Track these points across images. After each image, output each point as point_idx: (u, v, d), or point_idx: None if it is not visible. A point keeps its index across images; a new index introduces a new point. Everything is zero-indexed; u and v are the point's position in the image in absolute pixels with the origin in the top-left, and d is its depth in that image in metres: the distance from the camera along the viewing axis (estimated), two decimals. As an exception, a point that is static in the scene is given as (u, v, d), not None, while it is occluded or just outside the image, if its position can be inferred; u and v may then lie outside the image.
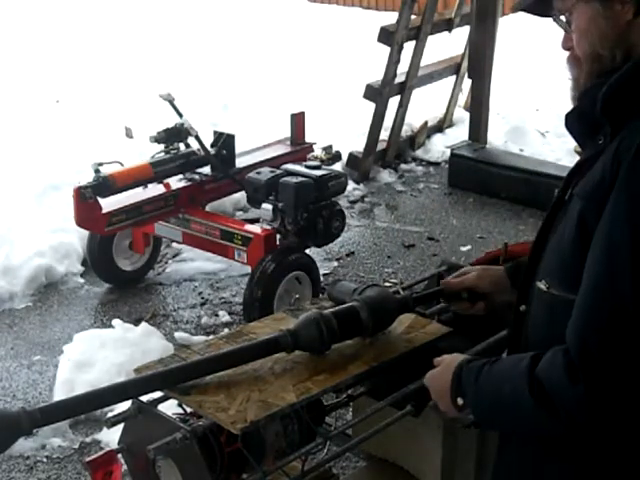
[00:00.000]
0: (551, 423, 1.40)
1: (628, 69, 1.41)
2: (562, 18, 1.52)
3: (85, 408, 1.83)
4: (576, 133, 1.54)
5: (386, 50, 6.23)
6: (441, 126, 7.36)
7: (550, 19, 1.56)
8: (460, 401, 1.58)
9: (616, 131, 1.41)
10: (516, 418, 1.47)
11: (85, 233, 4.72)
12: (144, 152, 5.06)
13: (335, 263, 5.18)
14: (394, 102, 6.56)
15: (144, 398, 1.81)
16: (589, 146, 1.50)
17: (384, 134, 6.61)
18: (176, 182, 4.60)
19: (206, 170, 4.68)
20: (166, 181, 4.57)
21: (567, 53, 1.54)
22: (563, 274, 1.46)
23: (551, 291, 1.48)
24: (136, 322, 4.26)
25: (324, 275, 4.84)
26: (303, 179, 4.18)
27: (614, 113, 1.41)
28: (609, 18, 1.43)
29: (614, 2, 1.42)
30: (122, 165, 4.39)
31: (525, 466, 1.56)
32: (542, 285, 1.51)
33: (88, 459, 1.80)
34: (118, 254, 4.75)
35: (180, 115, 4.50)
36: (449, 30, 7.09)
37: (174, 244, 5.19)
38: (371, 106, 6.36)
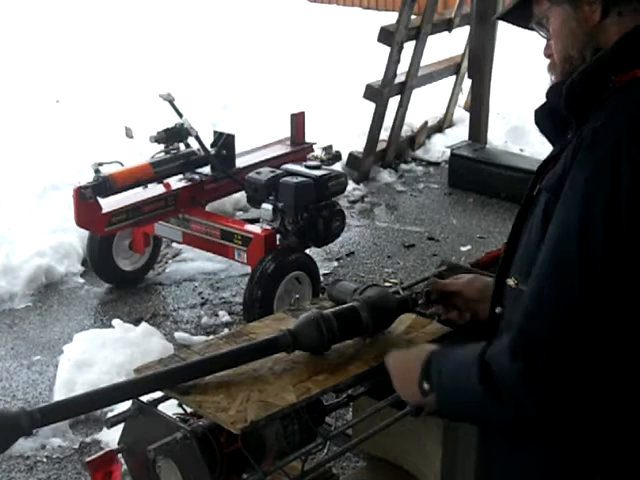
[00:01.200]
0: (499, 409, 1.40)
1: (590, 64, 1.43)
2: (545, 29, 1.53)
3: (85, 408, 1.83)
4: (546, 130, 1.55)
5: (386, 50, 6.23)
6: (441, 126, 7.36)
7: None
8: (426, 385, 1.57)
9: (580, 125, 1.42)
10: (470, 405, 1.47)
11: (85, 233, 4.72)
12: (144, 152, 5.06)
13: (335, 263, 5.18)
14: (394, 102, 6.56)
15: (144, 398, 1.81)
16: (559, 142, 1.51)
17: (384, 134, 6.61)
18: (176, 182, 4.60)
19: (206, 170, 4.68)
20: (166, 181, 4.57)
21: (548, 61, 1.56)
22: (531, 269, 1.45)
23: (520, 287, 1.49)
24: (136, 322, 4.26)
25: (324, 275, 4.84)
26: (303, 179, 4.18)
27: (577, 107, 1.43)
28: (579, 19, 1.45)
29: (583, 3, 1.44)
30: (122, 165, 4.39)
31: (506, 453, 1.55)
32: (511, 282, 1.51)
33: (88, 459, 1.80)
34: (118, 254, 4.75)
35: (180, 115, 4.50)
36: (449, 30, 7.10)
37: (174, 244, 5.19)
38: (371, 106, 6.36)
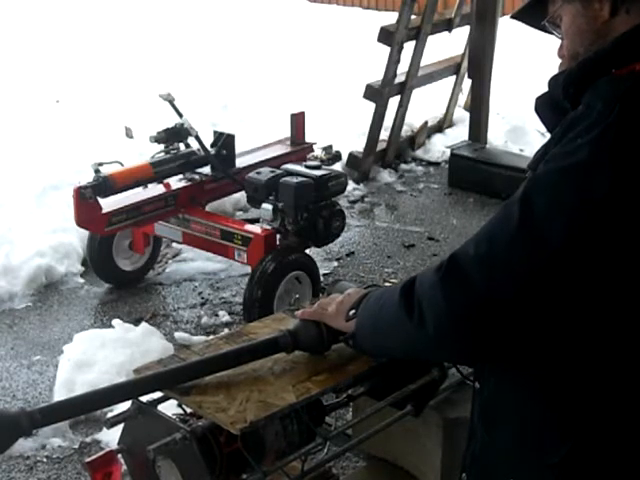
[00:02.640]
0: (406, 320, 1.43)
1: (590, 55, 1.42)
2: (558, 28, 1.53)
3: (85, 408, 1.83)
4: (545, 118, 1.55)
5: (386, 50, 6.23)
6: (441, 126, 7.36)
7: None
8: (352, 312, 1.67)
9: None
10: (384, 320, 1.53)
11: (85, 233, 4.72)
12: (144, 152, 5.06)
13: (335, 263, 5.18)
14: (394, 102, 6.56)
15: (144, 398, 1.81)
16: None
17: (384, 134, 6.61)
18: (176, 182, 4.60)
19: (206, 170, 4.68)
20: (166, 181, 4.57)
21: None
22: None
23: None
24: (136, 322, 4.26)
25: (324, 275, 4.84)
26: (303, 179, 4.18)
27: (574, 97, 1.42)
28: (588, 17, 1.44)
29: (593, 1, 1.43)
30: (122, 165, 4.39)
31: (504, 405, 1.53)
32: None
33: (88, 460, 1.80)
34: (118, 254, 4.75)
35: (180, 115, 4.50)
36: (449, 30, 7.10)
37: (174, 244, 5.19)
38: (371, 106, 6.36)
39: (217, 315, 4.53)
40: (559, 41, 1.55)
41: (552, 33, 1.56)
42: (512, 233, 1.33)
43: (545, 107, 1.54)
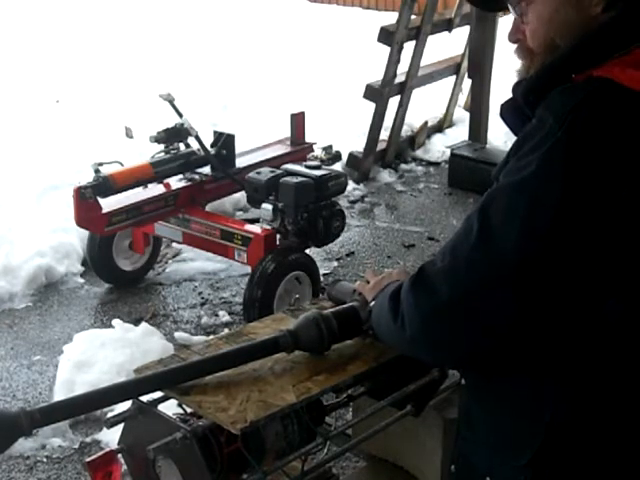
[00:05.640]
0: (393, 321, 1.49)
1: (552, 60, 1.40)
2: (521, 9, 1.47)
3: (85, 408, 1.83)
4: (511, 124, 1.56)
5: (386, 50, 6.23)
6: (441, 126, 7.36)
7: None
8: (371, 303, 1.75)
9: None
10: (381, 318, 1.59)
11: (85, 233, 4.72)
12: (144, 152, 5.06)
13: (335, 263, 5.18)
14: (394, 102, 6.56)
15: (144, 398, 1.81)
16: None
17: (384, 134, 6.61)
18: (176, 182, 4.60)
19: (206, 170, 4.68)
20: (166, 181, 4.57)
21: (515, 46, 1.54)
22: None
23: None
24: (136, 322, 4.26)
25: (324, 275, 4.84)
26: (303, 179, 4.18)
27: (535, 103, 1.41)
28: (578, 8, 1.38)
29: None
30: (122, 165, 4.39)
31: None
32: None
33: (88, 459, 1.80)
34: (118, 254, 4.75)
35: (180, 115, 4.50)
36: (449, 30, 7.10)
37: (174, 244, 5.19)
38: (371, 106, 6.36)
39: (217, 315, 4.53)
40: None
41: (514, 12, 1.50)
42: (472, 245, 1.36)
43: (509, 113, 1.55)
